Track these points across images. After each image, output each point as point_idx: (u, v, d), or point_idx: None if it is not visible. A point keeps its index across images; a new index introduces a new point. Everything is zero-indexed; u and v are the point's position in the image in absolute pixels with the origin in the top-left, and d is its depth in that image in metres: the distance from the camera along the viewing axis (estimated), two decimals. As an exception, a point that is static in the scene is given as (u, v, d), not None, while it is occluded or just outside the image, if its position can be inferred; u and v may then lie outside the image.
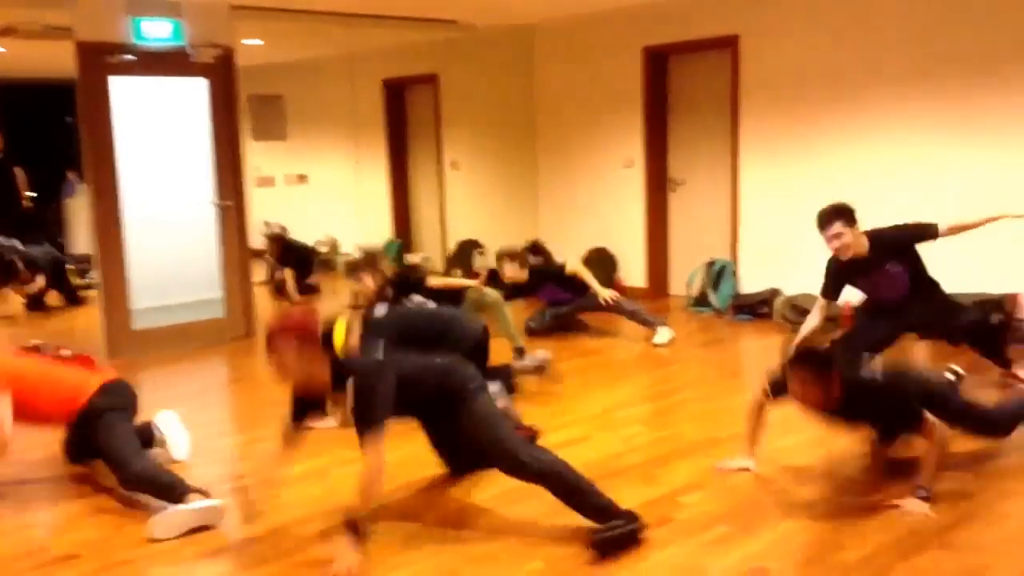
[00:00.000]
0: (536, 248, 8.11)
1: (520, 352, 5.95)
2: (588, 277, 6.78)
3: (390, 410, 3.27)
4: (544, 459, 3.40)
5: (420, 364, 3.55)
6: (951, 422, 3.72)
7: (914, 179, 6.45)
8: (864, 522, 3.38)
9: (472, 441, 3.49)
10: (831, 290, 5.16)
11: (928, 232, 4.99)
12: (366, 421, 3.24)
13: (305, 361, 3.28)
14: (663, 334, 6.48)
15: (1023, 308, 6.03)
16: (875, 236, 5.00)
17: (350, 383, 3.28)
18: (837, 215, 4.97)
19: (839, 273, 5.09)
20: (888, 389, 3.59)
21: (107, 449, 3.85)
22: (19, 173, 11.23)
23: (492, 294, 6.21)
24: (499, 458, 3.43)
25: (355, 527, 3.17)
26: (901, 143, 6.54)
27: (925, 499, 3.43)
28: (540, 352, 5.15)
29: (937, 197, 6.38)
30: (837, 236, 4.95)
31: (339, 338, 4.80)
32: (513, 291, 6.75)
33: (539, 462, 3.37)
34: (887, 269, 5.02)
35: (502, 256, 6.91)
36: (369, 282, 6.19)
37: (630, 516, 3.29)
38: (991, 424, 3.94)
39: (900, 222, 5.09)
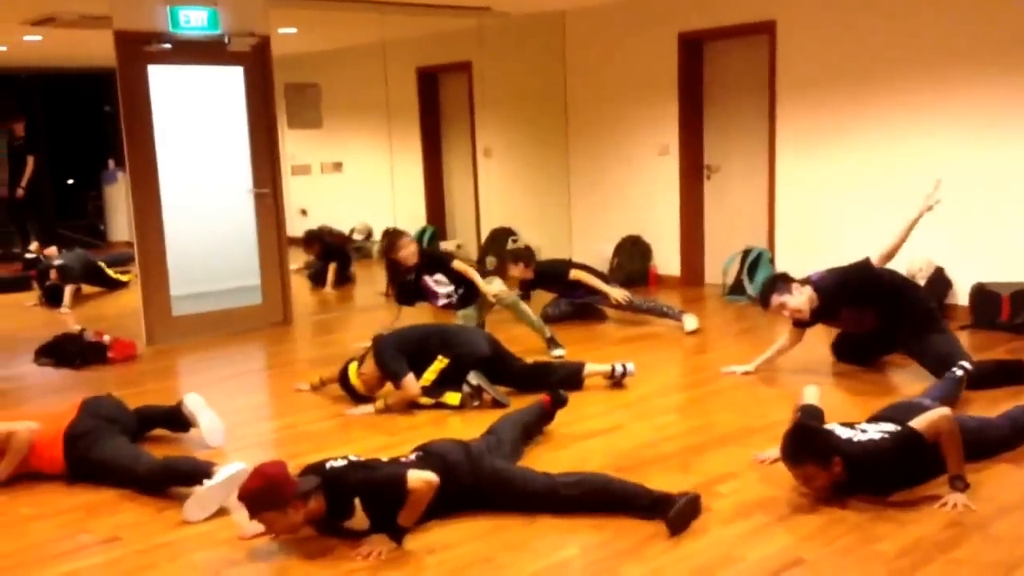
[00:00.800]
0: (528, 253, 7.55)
1: (552, 342, 5.94)
2: (594, 282, 6.79)
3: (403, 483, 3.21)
4: (579, 482, 3.46)
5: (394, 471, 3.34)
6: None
7: (956, 169, 6.34)
8: (903, 514, 3.34)
9: (507, 505, 3.46)
10: (801, 327, 5.23)
11: (862, 271, 4.98)
12: (393, 511, 3.22)
13: (291, 512, 3.16)
14: (690, 321, 6.45)
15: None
16: (819, 289, 5.03)
17: (356, 503, 3.21)
18: (771, 289, 5.11)
19: (804, 322, 5.17)
20: (885, 441, 3.46)
21: (106, 469, 3.88)
22: (30, 162, 11.31)
23: (507, 296, 6.15)
24: (537, 504, 3.43)
25: (397, 531, 3.22)
26: (944, 133, 6.43)
27: (962, 489, 3.39)
28: (630, 364, 5.16)
29: (981, 188, 6.28)
30: (782, 307, 5.07)
31: (353, 375, 4.93)
32: (520, 287, 6.80)
33: (577, 487, 3.42)
34: (845, 313, 5.09)
35: (507, 258, 6.98)
36: (411, 248, 6.24)
37: (684, 494, 3.35)
38: (995, 446, 3.82)
39: (837, 265, 5.14)
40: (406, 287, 6.39)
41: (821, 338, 5.52)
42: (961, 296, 6.42)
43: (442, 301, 6.36)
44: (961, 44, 6.27)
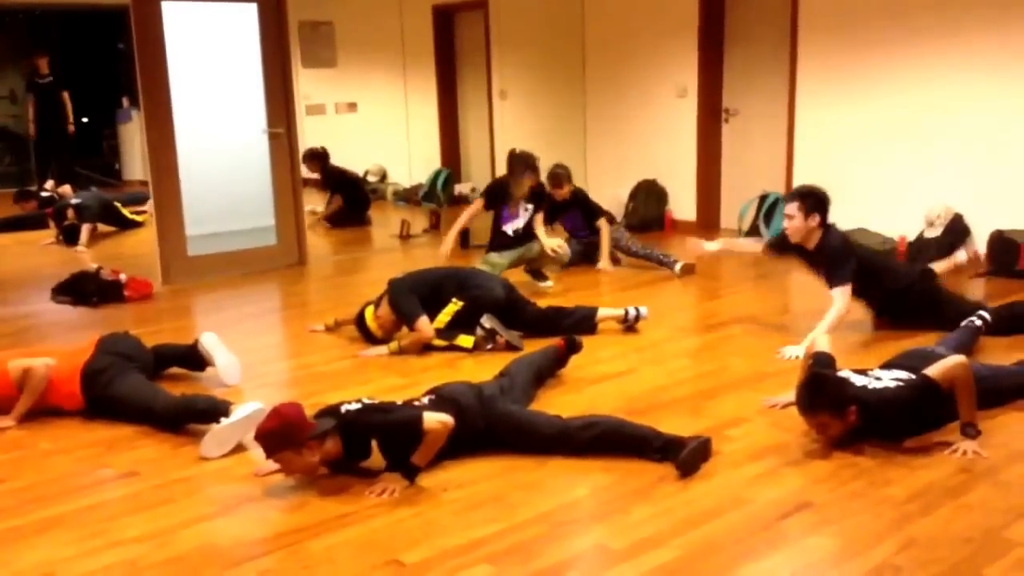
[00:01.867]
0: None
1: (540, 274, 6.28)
2: (605, 241, 6.83)
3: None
4: (591, 424, 3.48)
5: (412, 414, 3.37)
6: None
7: (976, 115, 6.25)
8: (913, 459, 3.36)
9: (520, 446, 3.49)
10: (775, 248, 5.12)
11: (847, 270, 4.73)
12: (409, 452, 3.27)
13: (307, 453, 3.20)
14: (679, 265, 6.53)
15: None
16: (824, 240, 4.80)
17: (373, 444, 3.26)
18: (798, 195, 4.86)
19: (783, 244, 5.01)
20: (901, 390, 3.47)
21: (124, 405, 3.93)
22: (66, 98, 11.31)
23: (566, 254, 6.32)
24: (549, 446, 3.47)
25: (411, 470, 3.26)
26: (965, 79, 6.31)
27: (974, 436, 3.39)
28: (643, 308, 5.18)
29: (1001, 134, 6.19)
30: (789, 217, 4.85)
31: (369, 318, 4.97)
32: (550, 209, 6.71)
33: (590, 430, 3.45)
34: (822, 274, 4.91)
35: (562, 175, 6.86)
36: (528, 180, 6.36)
37: (695, 437, 3.39)
38: (1008, 394, 3.82)
39: (861, 227, 5.02)
40: (500, 186, 6.47)
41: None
42: (980, 243, 6.37)
43: (508, 226, 6.40)
44: (989, -14, 6.13)
